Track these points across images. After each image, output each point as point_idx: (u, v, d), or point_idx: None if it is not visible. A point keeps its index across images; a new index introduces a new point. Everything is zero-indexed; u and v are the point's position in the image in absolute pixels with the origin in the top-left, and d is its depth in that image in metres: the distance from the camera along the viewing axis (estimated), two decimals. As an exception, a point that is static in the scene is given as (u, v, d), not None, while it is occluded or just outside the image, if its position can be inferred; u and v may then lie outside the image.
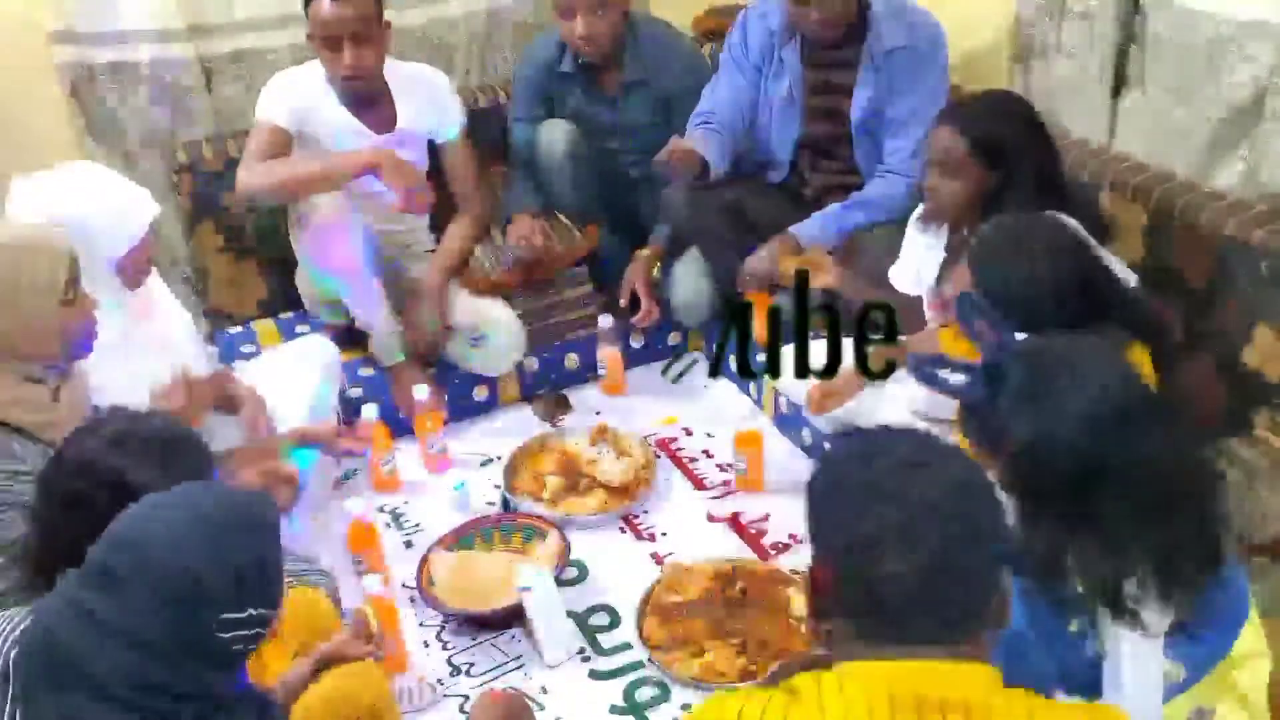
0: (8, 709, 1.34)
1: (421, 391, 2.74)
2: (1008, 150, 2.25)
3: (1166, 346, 1.96)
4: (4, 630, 1.40)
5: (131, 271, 2.23)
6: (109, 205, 2.19)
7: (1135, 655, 1.50)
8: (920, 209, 2.50)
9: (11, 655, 1.35)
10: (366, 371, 2.92)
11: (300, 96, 2.78)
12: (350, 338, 2.90)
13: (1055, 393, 1.45)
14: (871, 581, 1.12)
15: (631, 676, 2.16)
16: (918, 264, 2.50)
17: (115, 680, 1.23)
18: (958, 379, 1.49)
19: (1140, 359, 1.92)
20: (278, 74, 2.88)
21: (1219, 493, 1.55)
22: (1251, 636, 1.59)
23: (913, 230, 2.51)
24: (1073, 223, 2.07)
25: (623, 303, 3.01)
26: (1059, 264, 1.88)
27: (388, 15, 2.76)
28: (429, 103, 2.91)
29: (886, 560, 1.11)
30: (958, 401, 1.59)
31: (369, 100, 2.82)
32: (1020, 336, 1.57)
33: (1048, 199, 2.18)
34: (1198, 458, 1.57)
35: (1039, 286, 1.86)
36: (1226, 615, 1.56)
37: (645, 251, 3.07)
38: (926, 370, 1.51)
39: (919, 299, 2.44)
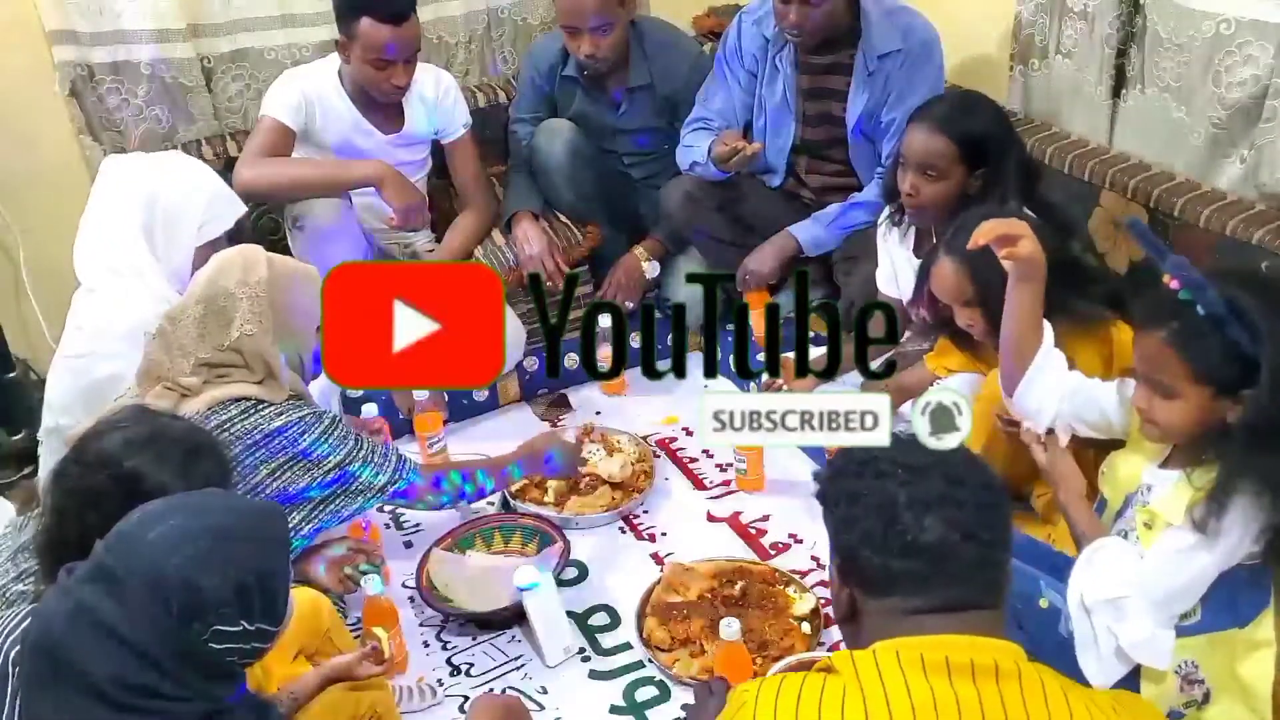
0: (7, 705, 1.33)
1: (422, 391, 2.74)
2: (990, 149, 2.27)
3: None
4: (5, 629, 1.40)
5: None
6: (207, 192, 2.38)
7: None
8: (886, 214, 2.53)
9: (12, 654, 1.35)
10: (366, 371, 2.91)
11: (309, 95, 2.78)
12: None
13: None
14: (898, 550, 1.17)
15: (631, 676, 2.16)
16: (893, 268, 2.52)
17: (111, 682, 1.21)
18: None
19: (1127, 338, 1.95)
20: (287, 71, 2.89)
21: None
22: (1266, 627, 1.61)
23: (882, 236, 2.55)
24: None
25: (603, 292, 3.01)
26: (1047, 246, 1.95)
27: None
28: (435, 103, 2.92)
29: (913, 527, 1.17)
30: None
31: (378, 101, 2.82)
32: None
33: (1023, 194, 2.24)
34: None
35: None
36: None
37: (639, 249, 3.07)
38: (1188, 267, 1.53)
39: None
